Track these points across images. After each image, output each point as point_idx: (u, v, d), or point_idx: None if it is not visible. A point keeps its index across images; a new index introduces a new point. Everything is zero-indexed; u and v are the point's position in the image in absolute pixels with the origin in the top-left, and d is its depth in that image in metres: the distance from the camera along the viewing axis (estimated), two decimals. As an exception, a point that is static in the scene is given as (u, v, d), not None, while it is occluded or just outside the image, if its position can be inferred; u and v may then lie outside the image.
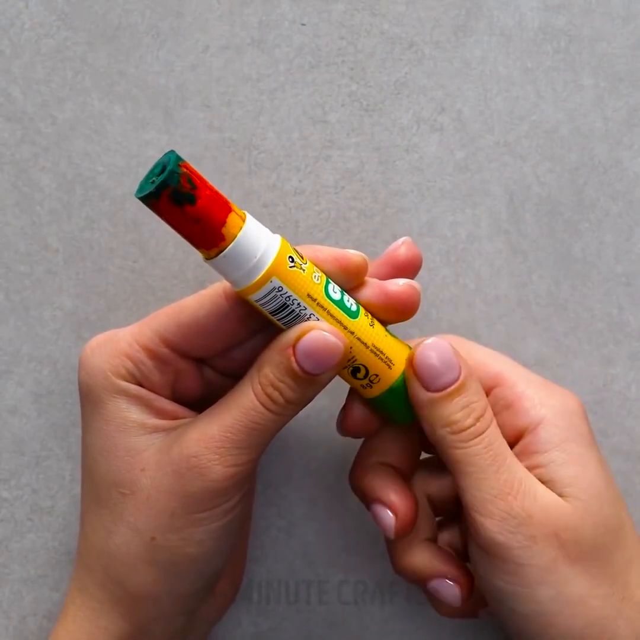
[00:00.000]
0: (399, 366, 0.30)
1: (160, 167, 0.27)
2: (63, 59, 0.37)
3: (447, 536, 0.34)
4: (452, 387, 0.29)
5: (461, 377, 0.29)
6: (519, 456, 0.30)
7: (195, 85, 0.37)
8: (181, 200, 0.26)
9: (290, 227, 0.37)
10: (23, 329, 0.37)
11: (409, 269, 0.31)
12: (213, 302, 0.30)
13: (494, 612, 0.32)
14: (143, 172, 0.37)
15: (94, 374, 0.30)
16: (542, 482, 0.29)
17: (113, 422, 0.30)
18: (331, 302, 0.29)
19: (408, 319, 0.31)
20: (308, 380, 0.28)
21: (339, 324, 0.29)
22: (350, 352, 0.29)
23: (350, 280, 0.30)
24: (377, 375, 0.30)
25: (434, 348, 0.29)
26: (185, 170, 0.26)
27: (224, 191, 0.37)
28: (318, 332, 0.28)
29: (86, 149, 0.37)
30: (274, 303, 0.28)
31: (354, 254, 0.30)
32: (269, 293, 0.28)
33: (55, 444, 0.36)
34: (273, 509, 0.37)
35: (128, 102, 0.37)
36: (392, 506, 0.31)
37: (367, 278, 0.30)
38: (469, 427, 0.29)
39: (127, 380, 0.30)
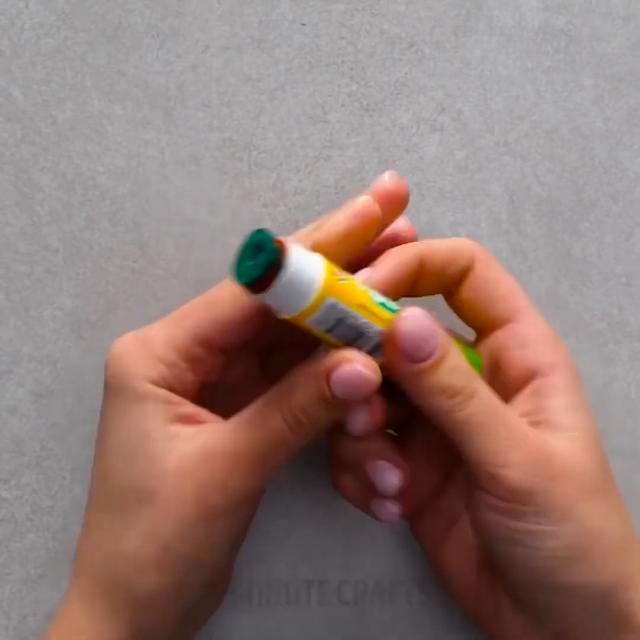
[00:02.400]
0: None
1: (253, 247, 0.27)
2: (63, 59, 0.37)
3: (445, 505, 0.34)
4: (438, 354, 0.28)
5: (444, 342, 0.29)
6: (529, 397, 0.31)
7: (195, 85, 0.37)
8: (278, 270, 0.26)
9: (290, 227, 0.37)
10: (23, 329, 0.37)
11: (395, 199, 0.31)
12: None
13: (506, 562, 0.31)
14: (143, 172, 0.37)
15: (127, 377, 0.30)
16: (547, 424, 0.30)
17: (137, 428, 0.29)
18: (378, 306, 0.29)
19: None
20: (338, 405, 0.28)
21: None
22: None
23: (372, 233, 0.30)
24: None
25: (411, 319, 0.28)
26: (278, 245, 0.26)
27: (223, 191, 0.37)
28: (352, 367, 0.28)
29: (86, 149, 0.37)
30: (330, 321, 0.28)
31: (361, 205, 0.30)
32: (325, 313, 0.27)
33: (55, 444, 0.36)
34: (273, 509, 0.37)
35: (128, 102, 0.37)
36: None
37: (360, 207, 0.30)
38: (463, 388, 0.29)
39: (158, 385, 0.30)
